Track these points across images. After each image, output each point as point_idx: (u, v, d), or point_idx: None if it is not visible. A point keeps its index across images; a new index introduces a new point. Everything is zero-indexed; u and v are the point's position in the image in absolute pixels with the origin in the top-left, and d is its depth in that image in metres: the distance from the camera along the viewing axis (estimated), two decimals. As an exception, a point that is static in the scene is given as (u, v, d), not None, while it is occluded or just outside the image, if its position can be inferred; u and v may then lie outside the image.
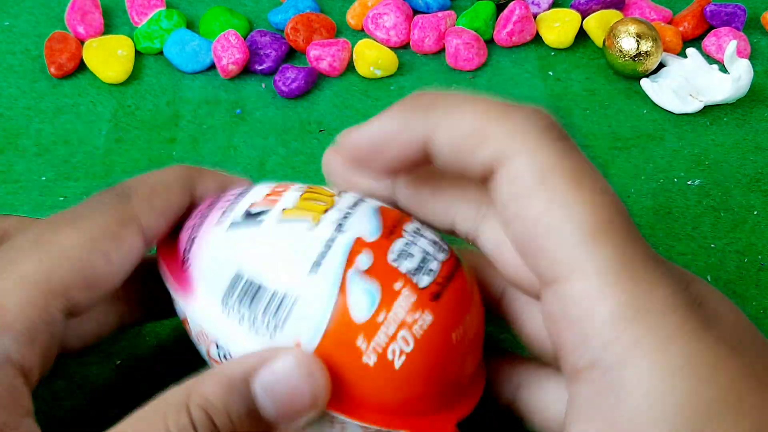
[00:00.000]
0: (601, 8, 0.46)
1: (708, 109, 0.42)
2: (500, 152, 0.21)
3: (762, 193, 0.38)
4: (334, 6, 0.48)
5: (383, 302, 0.23)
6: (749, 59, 0.44)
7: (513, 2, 0.45)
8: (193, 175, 0.27)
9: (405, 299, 0.23)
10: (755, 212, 0.37)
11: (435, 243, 0.25)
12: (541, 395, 0.25)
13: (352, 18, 0.47)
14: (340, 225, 0.24)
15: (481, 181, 0.22)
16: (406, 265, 0.24)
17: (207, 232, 0.25)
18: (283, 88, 0.42)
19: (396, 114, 0.23)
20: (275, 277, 0.23)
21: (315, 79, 0.43)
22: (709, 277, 0.35)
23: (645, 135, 0.41)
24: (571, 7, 0.46)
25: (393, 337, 0.23)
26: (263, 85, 0.43)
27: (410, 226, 0.25)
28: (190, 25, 0.46)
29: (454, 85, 0.43)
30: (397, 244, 0.24)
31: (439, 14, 0.45)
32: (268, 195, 0.25)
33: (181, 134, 0.41)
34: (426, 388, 0.24)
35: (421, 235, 0.25)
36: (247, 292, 0.24)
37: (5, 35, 0.46)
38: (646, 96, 0.43)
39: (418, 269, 0.24)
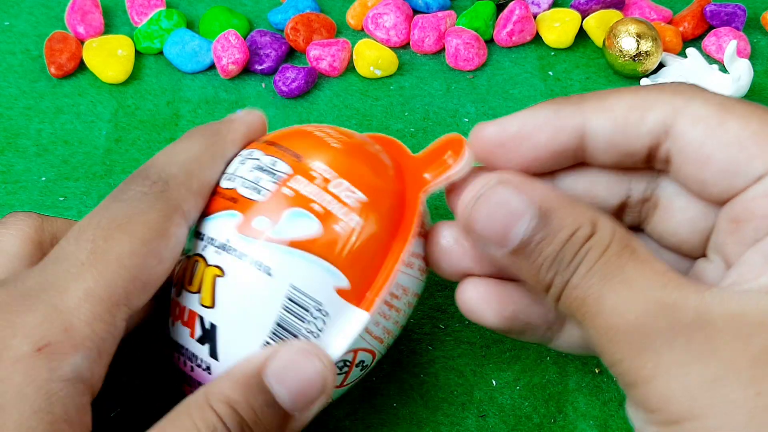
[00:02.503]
0: (601, 8, 0.46)
1: (708, 109, 0.42)
2: (669, 111, 0.23)
3: (762, 193, 0.38)
4: (334, 6, 0.48)
5: (302, 205, 0.24)
6: (749, 59, 0.44)
7: (513, 2, 0.45)
8: (216, 140, 0.27)
9: (302, 185, 0.25)
10: (755, 212, 0.37)
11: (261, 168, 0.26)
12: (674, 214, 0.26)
13: (352, 18, 0.47)
14: (230, 250, 0.25)
15: (646, 158, 0.24)
16: (265, 182, 0.25)
17: None
18: (283, 88, 0.42)
19: (543, 106, 0.25)
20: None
21: (315, 79, 0.43)
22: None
23: (645, 135, 0.41)
24: (571, 7, 0.46)
25: (338, 198, 0.25)
26: (263, 85, 0.43)
27: (232, 184, 0.26)
28: (190, 25, 0.46)
29: (454, 85, 0.43)
30: (241, 190, 0.25)
31: (439, 14, 0.45)
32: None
33: (180, 134, 0.41)
34: (377, 166, 0.26)
35: (235, 172, 0.26)
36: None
37: (5, 35, 0.46)
38: (646, 96, 0.43)
39: (268, 173, 0.25)
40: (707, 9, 0.45)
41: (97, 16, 0.46)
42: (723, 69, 0.43)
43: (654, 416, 0.21)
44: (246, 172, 0.26)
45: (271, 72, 0.43)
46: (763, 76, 0.44)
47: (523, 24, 0.45)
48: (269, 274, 0.24)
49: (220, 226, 0.25)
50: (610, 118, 0.24)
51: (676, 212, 0.26)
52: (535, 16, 0.46)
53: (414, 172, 0.27)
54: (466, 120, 0.41)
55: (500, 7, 0.46)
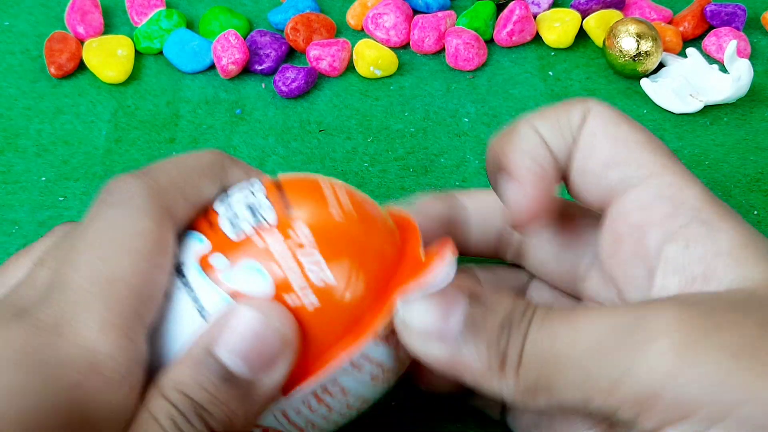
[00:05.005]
0: (601, 8, 0.46)
1: (708, 109, 0.42)
2: (586, 109, 0.26)
3: (762, 193, 0.38)
4: (334, 6, 0.48)
5: (263, 261, 0.23)
6: (749, 59, 0.44)
7: (513, 2, 0.45)
8: (226, 163, 0.26)
9: (275, 241, 0.23)
10: (755, 212, 0.37)
11: (251, 204, 0.24)
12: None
13: (352, 18, 0.47)
14: (182, 273, 0.23)
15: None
16: (244, 222, 0.23)
17: None
18: (283, 88, 0.42)
19: (523, 126, 0.26)
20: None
21: (315, 79, 0.43)
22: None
23: (645, 135, 0.41)
24: (571, 7, 0.46)
25: (302, 269, 0.23)
26: (263, 85, 0.43)
27: (219, 208, 0.24)
28: (190, 25, 0.46)
29: (454, 85, 0.43)
30: (221, 219, 0.24)
31: (439, 14, 0.45)
32: None
33: (181, 134, 0.41)
34: (366, 254, 0.23)
35: (229, 197, 0.25)
36: None
37: (5, 35, 0.46)
38: (646, 96, 0.43)
39: (253, 213, 0.23)
40: (707, 9, 0.45)
41: (96, 16, 0.46)
42: (723, 69, 0.43)
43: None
44: (236, 203, 0.24)
45: (271, 72, 0.43)
46: (763, 76, 0.44)
47: (523, 24, 0.45)
48: (203, 317, 0.23)
49: (186, 244, 0.24)
50: (550, 121, 0.26)
51: (544, 242, 0.28)
52: (535, 16, 0.46)
53: (411, 271, 0.24)
54: (466, 120, 0.41)
55: (500, 7, 0.46)
